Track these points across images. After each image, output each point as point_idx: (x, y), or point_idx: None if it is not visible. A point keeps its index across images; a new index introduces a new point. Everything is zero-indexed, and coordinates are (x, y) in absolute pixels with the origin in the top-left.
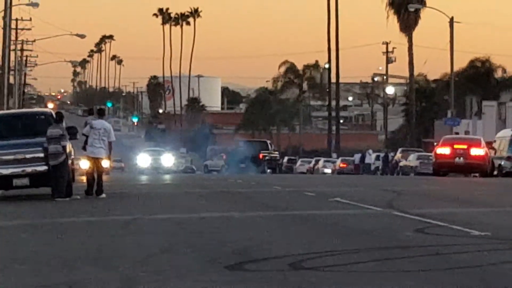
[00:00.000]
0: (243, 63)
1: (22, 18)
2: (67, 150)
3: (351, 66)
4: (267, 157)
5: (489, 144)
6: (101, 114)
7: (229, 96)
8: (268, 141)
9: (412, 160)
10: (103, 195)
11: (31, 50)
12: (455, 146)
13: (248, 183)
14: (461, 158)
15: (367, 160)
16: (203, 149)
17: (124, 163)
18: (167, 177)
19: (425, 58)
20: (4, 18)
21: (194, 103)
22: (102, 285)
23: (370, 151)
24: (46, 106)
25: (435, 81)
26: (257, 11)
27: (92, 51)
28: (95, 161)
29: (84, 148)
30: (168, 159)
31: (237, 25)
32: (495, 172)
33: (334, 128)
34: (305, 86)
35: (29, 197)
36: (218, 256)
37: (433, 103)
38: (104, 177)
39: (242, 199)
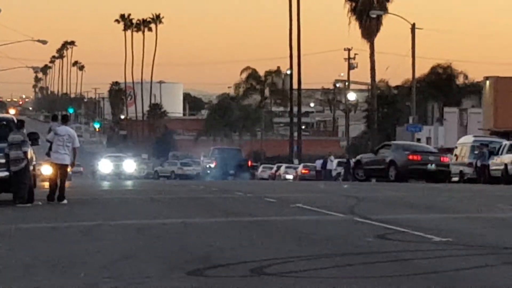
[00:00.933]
0: (205, 69)
1: None
2: (29, 156)
3: (313, 72)
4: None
5: (450, 151)
6: (65, 120)
7: (191, 102)
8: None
9: None
10: (65, 201)
11: None
12: None
13: (210, 189)
14: None
15: (328, 166)
16: (165, 155)
17: (83, 167)
18: (129, 183)
19: (387, 64)
20: None
21: (155, 109)
22: None
23: (332, 157)
24: (7, 112)
25: (397, 87)
26: (220, 17)
27: (53, 57)
28: (59, 167)
29: (48, 154)
30: (130, 165)
31: (199, 31)
32: (457, 179)
33: (296, 134)
34: (267, 92)
35: None
36: (179, 262)
37: (395, 109)
38: (66, 184)
39: (204, 205)
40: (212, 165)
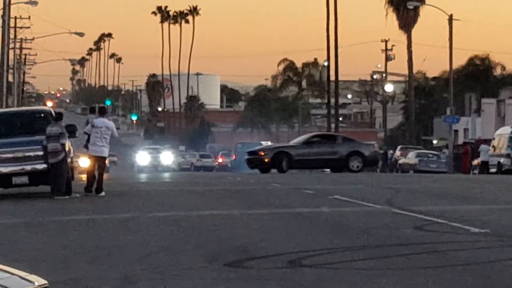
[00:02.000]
0: (242, 61)
1: (21, 16)
2: (66, 148)
3: (350, 64)
4: None
5: (488, 142)
6: (102, 112)
7: (228, 94)
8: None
9: (411, 157)
10: (103, 193)
11: (30, 49)
12: None
13: (247, 181)
14: None
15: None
16: (203, 147)
17: (117, 157)
18: (166, 175)
19: (424, 55)
20: (3, 16)
21: (193, 101)
22: (101, 283)
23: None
24: (45, 105)
25: (434, 78)
26: (256, 9)
27: (91, 49)
28: (97, 159)
29: (86, 147)
30: (167, 157)
31: (236, 23)
32: (494, 170)
33: (333, 126)
34: (304, 84)
35: (28, 196)
36: (217, 254)
37: (432, 100)
38: (104, 176)
39: (242, 196)
40: (232, 158)
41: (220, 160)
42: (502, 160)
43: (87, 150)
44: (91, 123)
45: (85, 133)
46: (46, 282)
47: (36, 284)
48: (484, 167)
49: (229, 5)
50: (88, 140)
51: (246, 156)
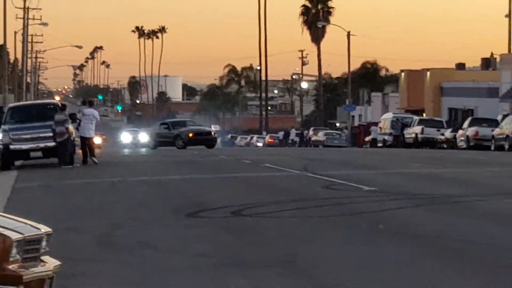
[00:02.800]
0: (198, 66)
1: (36, 34)
2: (70, 131)
3: (276, 67)
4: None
5: (376, 124)
6: (91, 104)
7: (188, 90)
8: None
9: (320, 136)
10: (95, 159)
11: (42, 58)
12: None
13: (201, 154)
14: None
15: (291, 137)
16: None
17: (106, 136)
18: (143, 150)
19: (330, 61)
20: (22, 34)
21: (162, 96)
22: (95, 228)
23: (293, 129)
24: (54, 98)
25: (337, 78)
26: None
27: (87, 58)
28: (87, 139)
29: (77, 129)
30: (144, 137)
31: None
32: (381, 145)
33: (264, 113)
34: (243, 82)
35: (42, 165)
36: (181, 207)
37: (336, 94)
38: (97, 151)
39: (198, 165)
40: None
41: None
42: (386, 137)
43: (78, 131)
44: (81, 112)
45: (77, 119)
46: (50, 230)
47: (43, 231)
48: (374, 142)
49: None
50: (79, 124)
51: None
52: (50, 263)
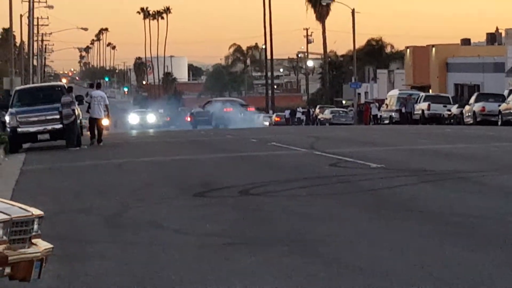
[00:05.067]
0: (203, 46)
1: (41, 17)
2: (76, 113)
3: (281, 46)
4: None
5: (382, 101)
6: (98, 86)
7: (193, 70)
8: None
9: (327, 114)
10: (102, 144)
11: (48, 40)
12: None
13: (207, 133)
14: None
15: (297, 115)
16: (176, 109)
17: (113, 118)
18: (151, 131)
19: (335, 39)
20: (28, 17)
21: (167, 77)
22: (103, 209)
23: (300, 108)
24: (60, 81)
25: (342, 56)
26: (214, 7)
27: (93, 40)
28: (96, 120)
29: (87, 111)
30: (151, 117)
31: (199, 17)
32: (387, 121)
33: (270, 92)
34: (248, 62)
35: (49, 148)
36: (187, 187)
37: (341, 72)
38: (104, 132)
39: (204, 145)
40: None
41: (188, 119)
42: (393, 114)
43: (89, 113)
44: (90, 95)
45: (86, 101)
46: (42, 213)
47: (33, 213)
48: (374, 119)
49: (194, 4)
50: (89, 107)
51: None
52: (41, 245)
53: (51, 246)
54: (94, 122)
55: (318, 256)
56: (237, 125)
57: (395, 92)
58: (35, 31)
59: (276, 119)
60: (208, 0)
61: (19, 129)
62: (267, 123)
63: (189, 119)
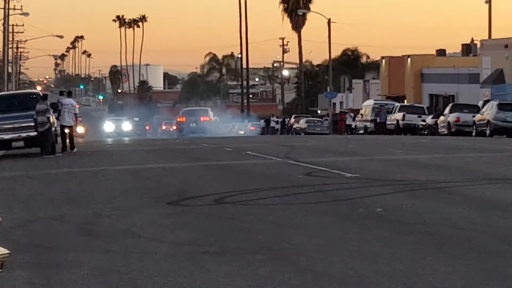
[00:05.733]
0: (179, 54)
1: (17, 24)
2: (51, 120)
3: (257, 55)
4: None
5: (357, 111)
6: (69, 95)
7: (169, 79)
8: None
9: (302, 123)
10: (75, 150)
11: (24, 48)
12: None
13: (183, 142)
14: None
15: (272, 124)
16: (151, 118)
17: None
18: (126, 139)
19: (311, 48)
20: (3, 24)
21: (143, 85)
22: (78, 217)
23: (274, 117)
24: (35, 88)
25: (318, 65)
26: (188, 15)
27: (68, 47)
28: (67, 127)
29: (57, 119)
30: (127, 126)
31: (175, 26)
32: (362, 131)
33: (245, 101)
34: (224, 71)
35: (24, 155)
36: (162, 195)
37: (317, 81)
38: (79, 140)
39: (180, 153)
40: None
41: (163, 127)
42: (367, 124)
43: (58, 121)
44: (60, 102)
45: (57, 109)
46: (8, 252)
47: None
48: (348, 129)
49: (170, 13)
50: (59, 114)
51: None
52: None
53: (8, 251)
54: (63, 130)
55: (292, 265)
56: (212, 134)
57: (370, 102)
58: (10, 38)
59: (252, 128)
60: (184, 9)
61: None
62: (242, 132)
63: (175, 127)
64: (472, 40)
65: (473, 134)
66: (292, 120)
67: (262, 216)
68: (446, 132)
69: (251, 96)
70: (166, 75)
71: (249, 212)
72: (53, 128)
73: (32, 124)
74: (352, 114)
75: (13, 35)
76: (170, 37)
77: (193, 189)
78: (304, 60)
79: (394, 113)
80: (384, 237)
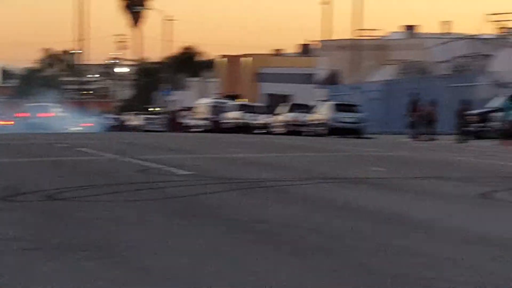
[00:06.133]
0: (15, 48)
1: None
2: None
3: (96, 51)
4: None
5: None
6: None
7: (5, 73)
8: None
9: (138, 120)
10: None
11: None
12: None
13: (20, 137)
14: None
15: (108, 121)
16: None
17: None
18: None
19: (151, 45)
20: None
21: None
22: None
23: (106, 114)
24: None
25: (156, 63)
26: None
27: None
28: None
29: None
30: None
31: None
32: (199, 129)
33: (82, 97)
34: (61, 66)
35: None
36: None
37: (155, 79)
38: None
39: (9, 149)
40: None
41: (1, 122)
42: (203, 122)
43: None
44: None
45: None
46: None
47: None
48: (185, 127)
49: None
50: None
51: None
52: None
53: None
54: None
55: (124, 261)
56: (54, 130)
57: (205, 101)
58: None
59: (85, 124)
60: (19, 3)
61: None
62: (79, 128)
63: (12, 122)
64: (312, 40)
65: (307, 133)
66: (128, 117)
67: (94, 212)
68: (280, 131)
69: (88, 92)
70: (2, 70)
71: (81, 209)
72: None
73: None
74: (188, 112)
75: None
76: (7, 30)
77: (23, 185)
78: (143, 57)
79: (230, 111)
80: (218, 235)
